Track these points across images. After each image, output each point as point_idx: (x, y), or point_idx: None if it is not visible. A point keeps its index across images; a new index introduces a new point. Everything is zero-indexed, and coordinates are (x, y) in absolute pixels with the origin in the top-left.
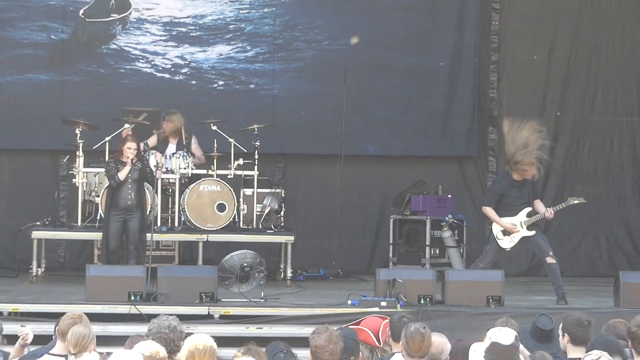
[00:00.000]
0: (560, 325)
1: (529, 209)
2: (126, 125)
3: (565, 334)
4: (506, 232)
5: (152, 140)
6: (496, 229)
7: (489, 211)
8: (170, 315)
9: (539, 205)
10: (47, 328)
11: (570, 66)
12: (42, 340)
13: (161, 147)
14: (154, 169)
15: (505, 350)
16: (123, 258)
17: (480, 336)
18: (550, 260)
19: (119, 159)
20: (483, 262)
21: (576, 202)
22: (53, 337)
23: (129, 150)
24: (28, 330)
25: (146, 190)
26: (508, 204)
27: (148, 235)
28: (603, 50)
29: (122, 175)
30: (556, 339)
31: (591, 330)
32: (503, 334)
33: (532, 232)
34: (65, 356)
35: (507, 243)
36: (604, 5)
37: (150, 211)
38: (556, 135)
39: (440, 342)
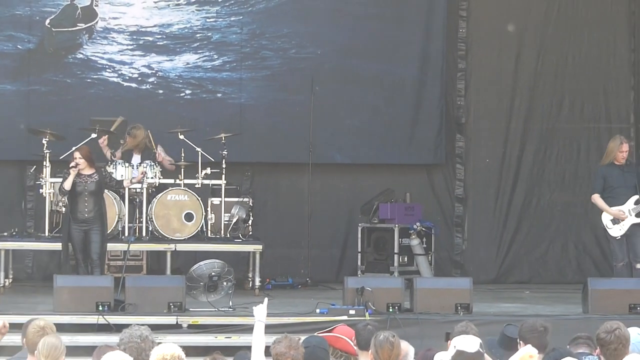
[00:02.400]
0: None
1: (637, 197)
2: (93, 135)
3: (521, 341)
4: (615, 221)
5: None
6: (605, 219)
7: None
8: (142, 325)
9: None
10: (15, 339)
11: (537, 73)
12: (10, 352)
13: (125, 157)
14: (124, 180)
15: (471, 358)
16: (84, 269)
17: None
18: (639, 266)
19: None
20: (616, 260)
21: None
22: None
23: (74, 160)
24: (1, 321)
25: (113, 201)
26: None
27: (118, 245)
28: (570, 57)
29: (66, 184)
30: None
31: (547, 337)
32: (468, 342)
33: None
34: None
35: (616, 231)
36: (570, 12)
37: (118, 221)
38: (524, 142)
39: (403, 347)
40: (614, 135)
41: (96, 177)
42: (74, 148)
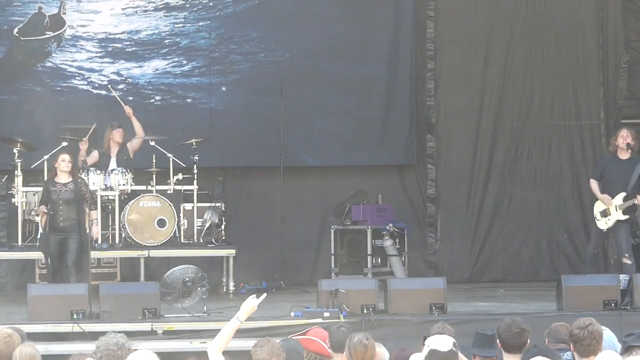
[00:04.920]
0: (496, 332)
1: (624, 194)
2: (64, 143)
3: (499, 341)
4: (604, 214)
5: (93, 157)
6: (596, 210)
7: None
8: (118, 332)
9: None
10: None
11: (506, 72)
12: None
13: (103, 162)
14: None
15: (444, 357)
16: (64, 277)
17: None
18: (625, 260)
19: (52, 178)
20: (592, 248)
21: None
22: None
23: (63, 162)
24: None
25: (86, 209)
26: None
27: (92, 252)
28: (539, 54)
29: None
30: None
31: (525, 337)
32: (441, 341)
33: (627, 216)
34: None
35: (603, 224)
36: (538, 10)
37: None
38: (494, 141)
39: (378, 352)
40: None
41: (71, 186)
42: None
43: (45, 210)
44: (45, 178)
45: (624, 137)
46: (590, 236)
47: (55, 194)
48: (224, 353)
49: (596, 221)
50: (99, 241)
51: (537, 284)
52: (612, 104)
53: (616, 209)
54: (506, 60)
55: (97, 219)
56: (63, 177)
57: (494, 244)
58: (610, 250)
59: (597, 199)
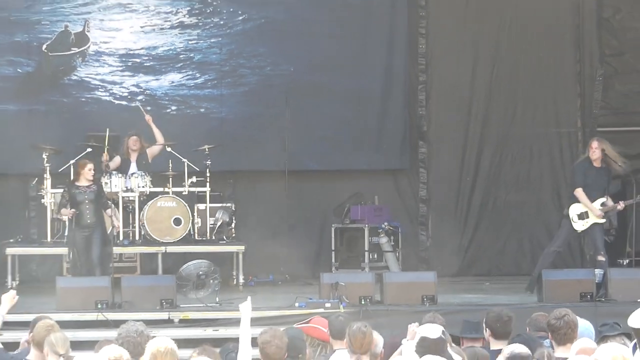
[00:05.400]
0: (484, 320)
1: (604, 199)
2: (88, 149)
3: (487, 329)
4: (581, 216)
5: (116, 162)
6: (573, 212)
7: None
8: (137, 321)
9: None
10: (23, 335)
11: (492, 84)
12: (12, 348)
13: (124, 166)
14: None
15: (433, 343)
16: (89, 269)
17: None
18: (600, 258)
19: (74, 182)
20: (555, 245)
21: None
22: (26, 344)
23: (90, 171)
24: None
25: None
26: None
27: (115, 248)
28: (521, 68)
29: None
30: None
31: (511, 325)
32: (430, 329)
33: (603, 220)
34: None
35: (580, 226)
36: (521, 27)
37: (112, 227)
38: (481, 147)
39: (374, 338)
40: None
41: (94, 187)
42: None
43: (72, 212)
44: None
45: (593, 150)
46: (558, 235)
47: (81, 195)
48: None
49: (572, 223)
50: (121, 233)
51: (519, 277)
52: (588, 114)
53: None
54: (492, 74)
55: (114, 215)
56: (84, 181)
57: (480, 241)
58: (587, 247)
59: (573, 202)
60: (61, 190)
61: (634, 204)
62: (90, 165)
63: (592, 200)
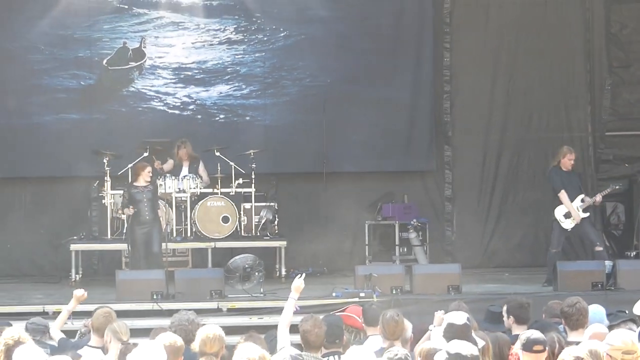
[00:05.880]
0: (505, 308)
1: (582, 195)
2: (144, 154)
3: (510, 316)
4: (567, 215)
5: (169, 165)
6: (559, 214)
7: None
8: (189, 310)
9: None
10: (86, 323)
11: (510, 93)
12: (71, 334)
13: (177, 169)
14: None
15: (459, 329)
16: (148, 263)
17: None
18: (597, 248)
19: (132, 183)
20: (553, 247)
21: (616, 187)
22: (89, 331)
23: (149, 173)
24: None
25: (162, 207)
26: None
27: (169, 244)
28: (537, 78)
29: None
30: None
31: (530, 311)
32: (456, 316)
33: (587, 214)
34: (101, 348)
35: (568, 224)
36: (536, 43)
37: (167, 224)
38: (500, 150)
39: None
40: (562, 146)
41: (150, 187)
42: (141, 162)
43: (132, 210)
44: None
45: (572, 161)
46: (552, 238)
47: (139, 194)
48: (274, 327)
49: (561, 223)
50: (174, 229)
51: (535, 268)
52: (597, 120)
53: (578, 209)
54: (509, 83)
55: (164, 214)
56: (142, 182)
57: (500, 235)
58: (587, 242)
59: (556, 205)
60: (120, 192)
61: (610, 193)
62: (149, 168)
63: (572, 199)
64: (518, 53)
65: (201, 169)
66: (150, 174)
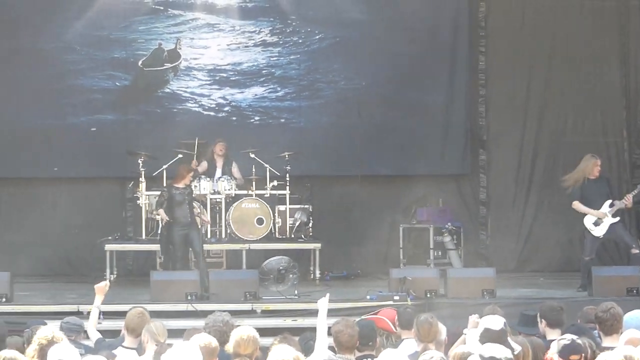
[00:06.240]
0: (538, 313)
1: (610, 201)
2: (179, 156)
3: (542, 320)
4: (596, 223)
5: (203, 167)
6: (588, 223)
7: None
8: (223, 311)
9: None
10: (120, 324)
11: (545, 97)
12: (117, 334)
13: (210, 171)
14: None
15: (496, 334)
16: (185, 263)
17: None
18: (634, 251)
19: (172, 184)
20: (586, 255)
21: None
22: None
23: (190, 177)
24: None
25: (197, 209)
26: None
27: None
28: (572, 82)
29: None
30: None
31: (564, 315)
32: (494, 321)
33: (617, 218)
34: (135, 349)
35: (599, 232)
36: (571, 47)
37: (202, 226)
38: (535, 154)
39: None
40: (585, 156)
41: (188, 190)
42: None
43: (165, 217)
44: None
45: (598, 167)
46: (585, 246)
47: (180, 196)
48: (308, 329)
49: (591, 232)
50: (208, 229)
51: (570, 273)
52: (632, 124)
53: (607, 214)
54: (545, 88)
55: (202, 213)
56: (182, 183)
57: (535, 240)
58: (622, 245)
59: (584, 216)
60: (155, 193)
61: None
62: (193, 172)
63: (599, 206)
64: (553, 57)
65: (235, 169)
66: (192, 178)
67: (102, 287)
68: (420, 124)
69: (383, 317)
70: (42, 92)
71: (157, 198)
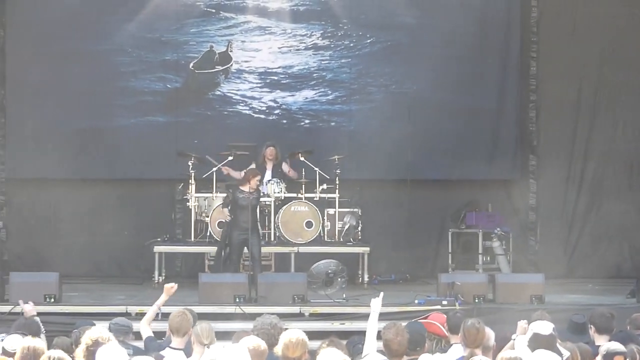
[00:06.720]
0: (588, 319)
1: None
2: (229, 158)
3: (592, 326)
4: None
5: None
6: None
7: None
8: (271, 314)
9: None
10: (167, 326)
11: (596, 103)
12: (159, 336)
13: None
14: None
15: (545, 339)
16: (237, 266)
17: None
18: None
19: (239, 186)
20: None
21: None
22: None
23: (259, 181)
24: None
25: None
26: None
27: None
28: (623, 89)
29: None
30: (588, 331)
31: (613, 322)
32: (543, 326)
33: None
34: (183, 350)
35: None
36: (623, 52)
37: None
38: (585, 160)
39: (486, 333)
40: None
41: (255, 194)
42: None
43: (228, 216)
44: (230, 184)
45: None
46: None
47: (245, 200)
48: (356, 333)
49: None
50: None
51: (620, 280)
52: None
53: None
54: (595, 94)
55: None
56: (249, 187)
57: (584, 245)
58: None
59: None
60: (204, 195)
61: None
62: (259, 177)
63: None
64: (605, 62)
65: (285, 168)
66: (258, 182)
67: (169, 288)
68: (470, 129)
69: (434, 321)
70: (93, 94)
71: (224, 197)
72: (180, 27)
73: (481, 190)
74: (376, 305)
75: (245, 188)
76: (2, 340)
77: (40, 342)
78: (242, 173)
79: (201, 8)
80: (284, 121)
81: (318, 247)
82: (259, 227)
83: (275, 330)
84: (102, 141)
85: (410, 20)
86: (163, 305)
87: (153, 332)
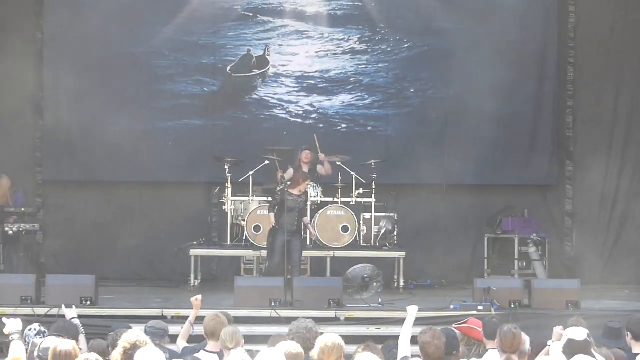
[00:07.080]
0: (625, 325)
1: None
2: (266, 162)
3: (628, 332)
4: None
5: (289, 173)
6: None
7: None
8: (307, 318)
9: None
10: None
11: (634, 109)
12: (199, 339)
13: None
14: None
15: (580, 345)
16: (280, 270)
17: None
18: None
19: (287, 190)
20: None
21: None
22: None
23: (306, 185)
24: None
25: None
26: None
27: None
28: None
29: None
30: (624, 338)
31: None
32: (577, 332)
33: None
34: (217, 353)
35: None
36: None
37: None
38: (622, 166)
39: (522, 338)
40: None
41: (303, 198)
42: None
43: (274, 222)
44: (280, 186)
45: None
46: None
47: (292, 202)
48: (392, 338)
49: None
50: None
51: None
52: None
53: None
54: (633, 99)
55: (310, 224)
56: (296, 190)
57: (620, 251)
58: None
59: None
60: (241, 199)
61: None
62: (309, 181)
63: None
64: None
65: (319, 167)
66: (308, 187)
67: (195, 302)
68: (507, 134)
69: (473, 325)
70: (130, 97)
71: (270, 200)
72: (217, 30)
73: (517, 196)
74: (413, 310)
75: (295, 191)
76: (41, 341)
77: (73, 345)
78: (289, 171)
79: (238, 12)
80: (321, 125)
81: (354, 251)
82: (302, 233)
83: (310, 335)
84: (138, 144)
85: (448, 25)
86: (203, 309)
87: (196, 335)
